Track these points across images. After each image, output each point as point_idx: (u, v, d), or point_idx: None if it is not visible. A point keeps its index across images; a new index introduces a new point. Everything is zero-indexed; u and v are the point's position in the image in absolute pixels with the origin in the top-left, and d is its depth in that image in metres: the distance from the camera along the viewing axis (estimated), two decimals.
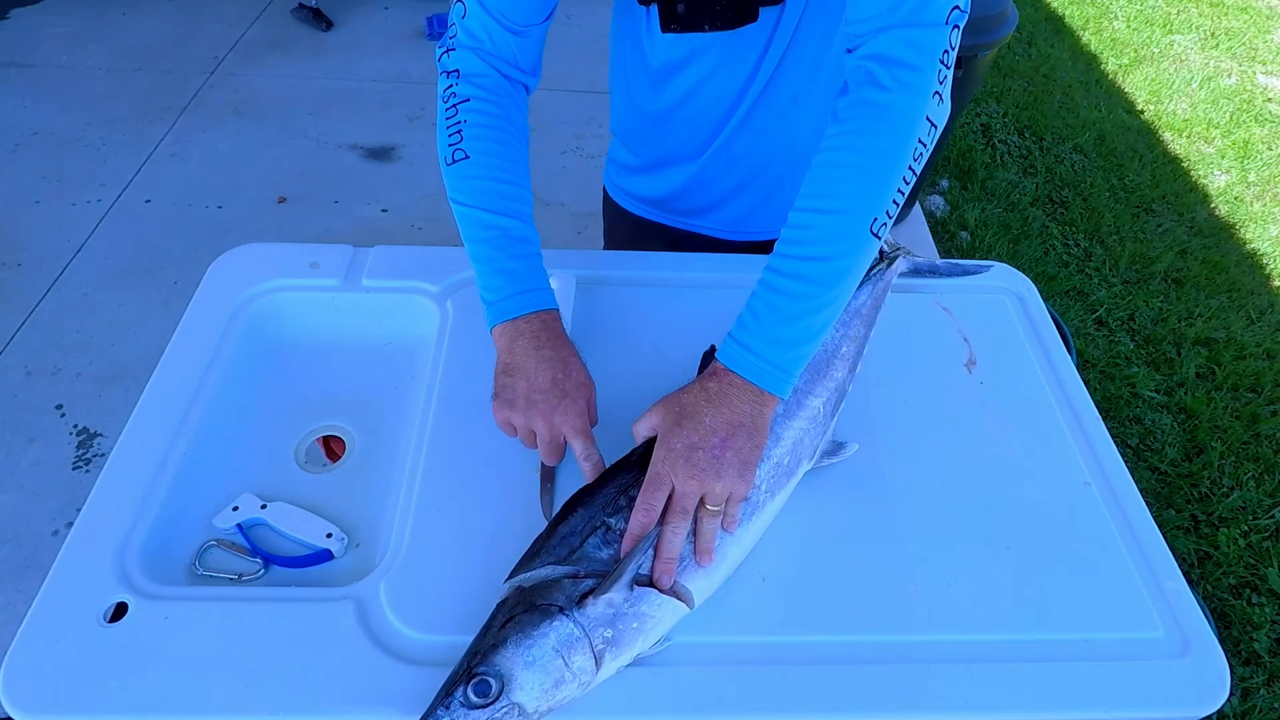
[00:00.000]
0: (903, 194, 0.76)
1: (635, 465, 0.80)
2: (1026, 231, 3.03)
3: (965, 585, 0.81)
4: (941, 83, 0.75)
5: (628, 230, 1.28)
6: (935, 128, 0.76)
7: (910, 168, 0.75)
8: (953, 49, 0.75)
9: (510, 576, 0.73)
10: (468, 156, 0.89)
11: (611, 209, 1.30)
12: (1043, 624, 0.79)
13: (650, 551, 0.73)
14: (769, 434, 0.81)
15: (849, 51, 0.78)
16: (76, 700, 0.68)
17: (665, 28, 0.93)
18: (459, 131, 0.90)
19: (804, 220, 0.76)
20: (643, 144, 1.15)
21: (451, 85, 0.91)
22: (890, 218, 0.76)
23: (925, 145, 0.75)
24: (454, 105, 0.91)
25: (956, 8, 0.74)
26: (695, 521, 0.75)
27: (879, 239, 0.75)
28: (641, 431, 0.79)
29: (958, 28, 0.75)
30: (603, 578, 0.71)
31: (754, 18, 0.90)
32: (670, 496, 0.74)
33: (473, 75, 0.91)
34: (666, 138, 1.10)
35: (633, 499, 0.76)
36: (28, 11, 3.70)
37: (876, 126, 0.74)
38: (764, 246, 1.20)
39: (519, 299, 0.88)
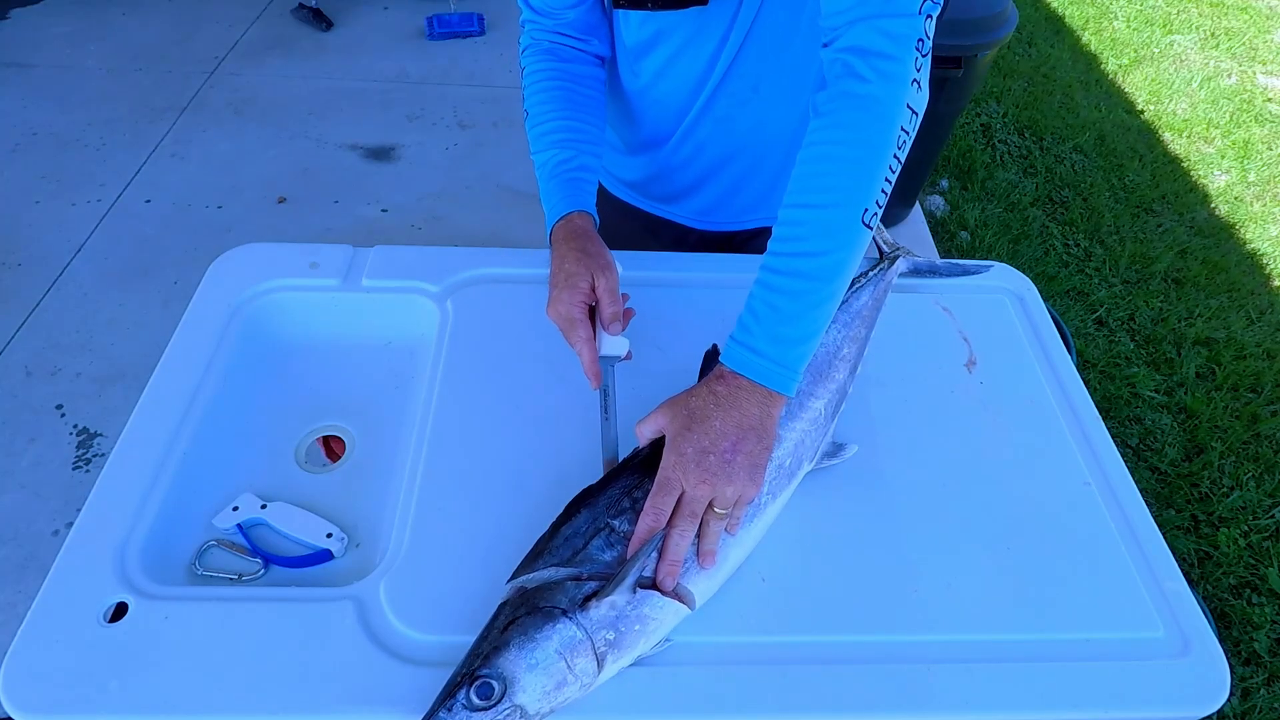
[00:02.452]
0: (890, 182, 0.76)
1: (640, 467, 0.79)
2: (1026, 231, 3.03)
3: (965, 585, 0.81)
4: (919, 70, 0.76)
5: (608, 211, 1.30)
6: (916, 115, 0.77)
7: (895, 156, 0.76)
8: (928, 37, 0.76)
9: (513, 577, 0.73)
10: (528, 114, 1.03)
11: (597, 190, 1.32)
12: (1043, 624, 0.79)
13: (654, 554, 0.73)
14: None
15: (825, 46, 0.79)
16: (76, 700, 0.68)
17: (615, 3, 0.95)
18: (524, 96, 1.04)
19: (795, 217, 0.76)
20: (623, 125, 1.17)
21: (521, 64, 1.06)
22: (880, 207, 0.76)
23: (908, 133, 0.76)
24: (522, 78, 1.05)
25: None
26: (700, 524, 0.75)
27: (871, 229, 0.76)
28: (646, 433, 0.79)
29: (931, 17, 0.76)
30: (606, 580, 0.71)
31: (703, 0, 0.90)
32: (679, 500, 0.74)
33: (528, 48, 1.05)
34: (640, 120, 1.12)
35: (636, 500, 0.76)
36: (28, 11, 3.69)
37: (859, 118, 0.75)
38: (734, 238, 1.23)
39: (553, 211, 0.98)
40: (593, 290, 0.90)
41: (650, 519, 0.73)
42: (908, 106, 0.75)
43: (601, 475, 0.82)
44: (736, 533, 0.77)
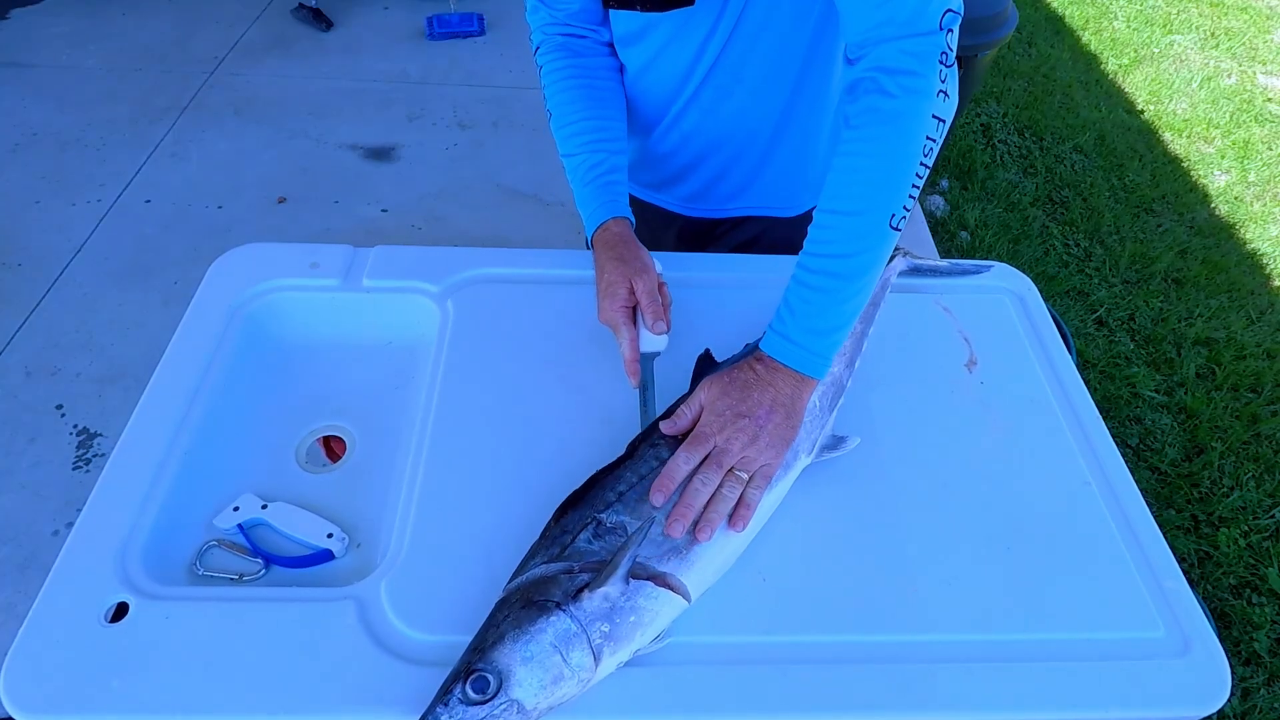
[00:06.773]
0: (918, 187, 0.82)
1: (626, 468, 0.80)
2: (1026, 231, 3.03)
3: (965, 585, 0.81)
4: (944, 81, 0.80)
5: None
6: (944, 122, 0.82)
7: (922, 163, 0.81)
8: (951, 49, 0.81)
9: (509, 583, 0.74)
10: (551, 114, 1.06)
11: None
12: (1043, 624, 0.79)
13: (643, 545, 0.73)
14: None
15: (851, 62, 0.84)
16: (77, 700, 0.68)
17: (606, 3, 0.98)
18: (545, 96, 1.07)
19: (827, 221, 0.83)
20: None
21: (537, 63, 1.08)
22: (908, 210, 0.82)
23: (935, 140, 0.81)
24: (541, 77, 1.07)
25: (949, 10, 0.79)
26: (715, 491, 0.78)
27: (899, 230, 0.82)
28: (689, 413, 0.83)
29: (952, 31, 0.80)
30: (598, 571, 0.71)
31: (689, 1, 0.93)
32: (709, 453, 0.79)
33: (541, 46, 1.07)
34: (630, 108, 1.13)
35: (622, 495, 0.77)
36: (28, 11, 3.70)
37: (886, 132, 0.80)
38: (717, 226, 1.26)
39: (590, 219, 1.03)
40: (632, 293, 0.96)
41: (682, 462, 0.78)
42: (934, 116, 0.80)
43: None
44: (744, 526, 0.79)
